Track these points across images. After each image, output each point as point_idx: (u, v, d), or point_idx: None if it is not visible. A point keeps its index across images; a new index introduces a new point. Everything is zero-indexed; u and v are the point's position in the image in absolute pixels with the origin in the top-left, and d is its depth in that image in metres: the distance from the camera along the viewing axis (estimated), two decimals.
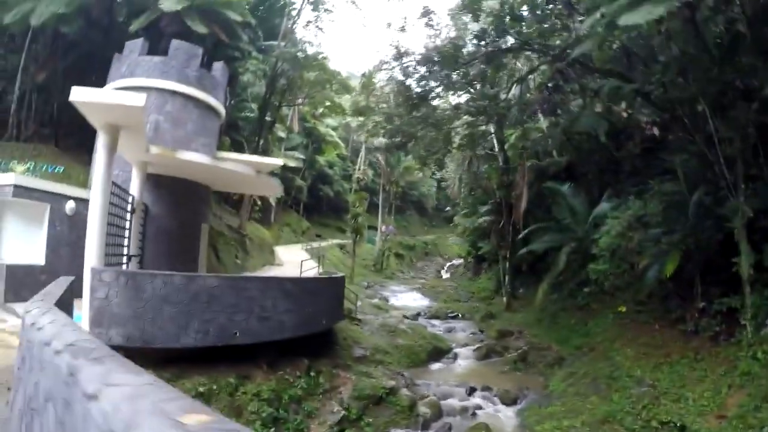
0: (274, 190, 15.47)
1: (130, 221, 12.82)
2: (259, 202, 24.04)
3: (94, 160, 14.95)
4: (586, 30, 16.43)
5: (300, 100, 25.24)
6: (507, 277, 20.32)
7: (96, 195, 10.00)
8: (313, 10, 22.91)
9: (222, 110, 16.04)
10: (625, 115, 18.05)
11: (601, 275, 15.31)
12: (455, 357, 17.26)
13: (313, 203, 33.99)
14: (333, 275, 13.49)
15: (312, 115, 30.54)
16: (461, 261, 32.95)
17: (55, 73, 19.64)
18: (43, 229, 13.17)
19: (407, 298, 24.75)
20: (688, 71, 14.71)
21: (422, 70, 16.46)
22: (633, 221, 14.71)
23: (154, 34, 16.13)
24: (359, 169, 32.47)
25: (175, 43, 15.01)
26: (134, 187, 13.16)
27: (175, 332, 9.66)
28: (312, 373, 12.07)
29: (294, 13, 23.40)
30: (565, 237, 17.92)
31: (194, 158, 12.70)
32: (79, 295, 13.52)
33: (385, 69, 17.61)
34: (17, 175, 12.39)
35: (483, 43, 16.60)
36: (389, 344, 16.35)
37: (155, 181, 14.26)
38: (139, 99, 9.05)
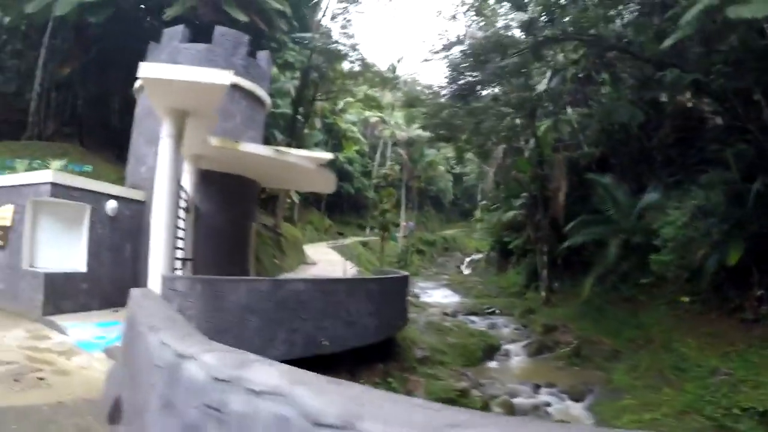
0: (329, 185, 13.70)
1: (185, 221, 10.97)
2: (288, 200, 22.21)
3: (133, 155, 13.03)
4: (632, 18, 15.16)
5: (332, 94, 23.48)
6: (545, 271, 18.87)
7: (162, 193, 8.17)
8: (339, 1, 21.17)
9: (268, 102, 14.24)
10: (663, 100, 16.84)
11: (663, 266, 14.07)
12: (507, 354, 15.82)
13: (334, 201, 32.08)
14: (399, 274, 11.88)
15: (331, 111, 28.70)
16: (481, 256, 31.45)
17: (78, 68, 17.47)
18: (83, 232, 11.25)
19: (437, 295, 23.17)
20: (745, 61, 13.68)
21: (470, 60, 14.89)
22: (696, 211, 13.56)
23: (187, 24, 14.14)
24: (386, 166, 30.67)
25: (219, 29, 13.14)
26: (186, 184, 11.29)
27: (261, 345, 7.94)
28: (388, 379, 10.66)
29: (323, 4, 21.54)
30: (610, 229, 16.58)
31: (259, 151, 10.90)
32: (119, 304, 11.65)
33: (433, 59, 16.02)
34: (54, 172, 10.41)
35: (529, 33, 15.08)
36: (443, 343, 14.86)
37: (204, 178, 12.39)
38: (224, 76, 7.25)
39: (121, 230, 11.80)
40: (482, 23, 15.69)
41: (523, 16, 15.15)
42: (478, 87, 15.71)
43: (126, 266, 11.89)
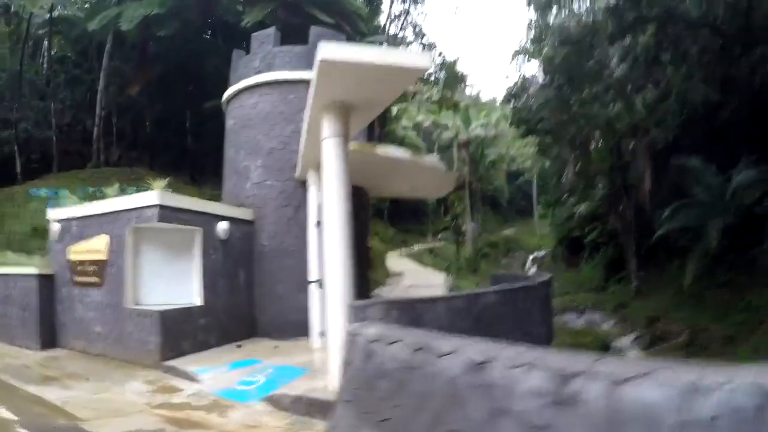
0: (445, 187, 11.27)
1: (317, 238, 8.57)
2: None
3: (233, 171, 10.50)
4: None
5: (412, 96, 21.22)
6: (634, 262, 16.55)
7: (333, 206, 5.83)
8: (402, 1, 18.88)
9: None
10: None
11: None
12: (621, 350, 13.54)
13: (394, 209, 29.38)
14: (546, 278, 9.54)
15: (387, 117, 26.21)
16: (543, 253, 29.10)
17: (143, 89, 15.07)
18: (194, 260, 8.75)
19: None
20: None
21: (563, 52, 12.73)
22: None
23: (263, 28, 11.78)
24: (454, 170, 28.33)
25: (315, 29, 10.78)
26: (312, 196, 8.90)
27: None
28: None
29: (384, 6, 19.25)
30: (704, 212, 14.34)
31: (398, 155, 8.51)
32: (238, 337, 9.16)
33: (523, 54, 13.85)
34: (161, 193, 7.97)
35: (615, 17, 12.91)
36: (564, 343, 12.55)
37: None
38: (424, 58, 5.00)
39: (234, 255, 9.33)
40: (568, 12, 13.56)
41: (608, 1, 13.01)
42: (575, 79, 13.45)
43: (240, 295, 9.43)
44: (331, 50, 4.87)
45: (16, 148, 15.52)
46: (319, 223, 8.57)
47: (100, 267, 8.62)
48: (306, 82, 10.09)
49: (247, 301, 9.54)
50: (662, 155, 16.20)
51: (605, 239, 18.18)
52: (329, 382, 5.41)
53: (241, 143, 10.34)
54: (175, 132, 16.08)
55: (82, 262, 8.94)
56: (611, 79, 14.42)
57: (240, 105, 10.52)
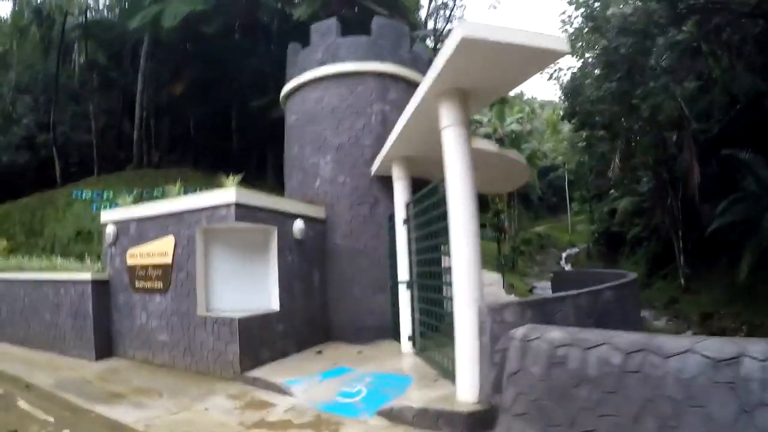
0: (520, 180, 10.08)
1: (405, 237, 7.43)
2: None
3: (298, 169, 9.27)
4: None
5: None
6: (682, 258, 15.42)
7: (458, 200, 4.88)
8: None
9: None
10: None
11: None
12: None
13: None
14: (633, 276, 8.41)
15: None
16: (577, 250, 27.66)
17: (185, 89, 13.88)
18: (271, 262, 7.58)
19: None
20: None
21: (625, 42, 11.66)
22: None
23: (304, 26, 10.71)
24: None
25: (379, 20, 9.69)
26: (399, 192, 7.75)
27: None
28: None
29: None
30: (757, 205, 13.21)
31: (486, 146, 7.38)
32: (313, 342, 7.98)
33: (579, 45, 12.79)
34: (238, 190, 6.81)
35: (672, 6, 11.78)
36: None
37: (390, 183, 8.85)
38: (561, 41, 4.29)
39: (308, 255, 8.17)
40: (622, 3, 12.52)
41: None
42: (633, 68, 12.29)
43: (315, 298, 8.27)
44: (473, 28, 3.93)
45: (54, 151, 14.36)
46: (406, 221, 7.43)
47: (165, 271, 7.43)
48: (374, 74, 9.20)
49: (321, 304, 8.38)
50: (706, 147, 15.12)
51: (648, 234, 17.02)
52: (459, 391, 4.61)
53: (307, 139, 9.19)
54: (217, 132, 14.92)
55: (143, 267, 7.75)
56: (657, 71, 13.35)
57: (303, 99, 9.38)
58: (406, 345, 7.31)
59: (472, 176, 4.84)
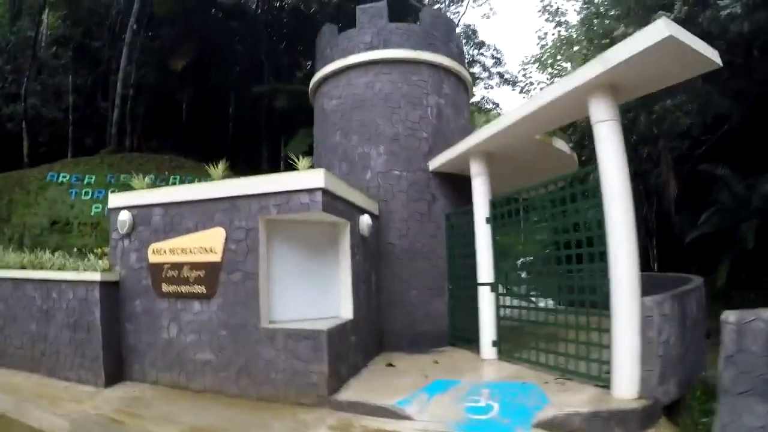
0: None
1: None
2: None
3: (342, 160, 7.39)
4: None
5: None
6: (656, 265, 15.60)
7: (615, 193, 4.29)
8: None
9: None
10: None
11: None
12: None
13: None
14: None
15: None
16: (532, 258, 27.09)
17: (178, 71, 11.18)
18: (342, 262, 5.92)
19: None
20: None
21: None
22: None
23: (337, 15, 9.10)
24: None
25: (429, 11, 8.54)
26: (479, 188, 6.40)
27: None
28: None
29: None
30: (734, 217, 13.40)
31: (563, 147, 6.36)
32: (373, 352, 6.41)
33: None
34: (326, 174, 5.07)
35: None
36: None
37: (448, 180, 7.49)
38: (717, 55, 4.00)
39: (369, 255, 6.52)
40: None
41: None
42: None
43: (372, 302, 6.63)
44: (675, 28, 3.63)
45: (24, 126, 10.82)
46: (489, 220, 6.13)
47: (210, 272, 5.41)
48: (429, 65, 7.78)
49: (377, 310, 6.75)
50: (680, 162, 15.27)
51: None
52: (617, 389, 4.06)
53: (354, 126, 7.52)
54: (208, 119, 12.33)
55: (174, 265, 5.63)
56: None
57: (348, 83, 7.70)
58: (488, 351, 6.06)
59: (626, 170, 4.28)
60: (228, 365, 5.21)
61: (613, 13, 11.86)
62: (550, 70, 17.11)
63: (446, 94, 7.77)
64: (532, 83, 19.11)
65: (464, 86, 8.35)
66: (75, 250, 7.53)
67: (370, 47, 7.68)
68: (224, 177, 5.83)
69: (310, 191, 4.98)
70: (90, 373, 5.62)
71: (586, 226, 4.75)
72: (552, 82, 18.26)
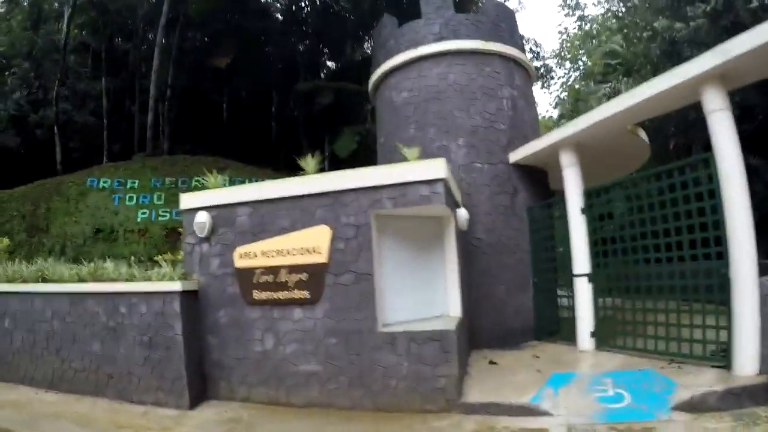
0: (634, 167, 8.37)
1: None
2: None
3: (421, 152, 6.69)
4: None
5: None
6: None
7: (733, 183, 4.05)
8: None
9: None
10: None
11: None
12: None
13: None
14: None
15: None
16: None
17: (212, 71, 10.22)
18: (447, 258, 5.19)
19: None
20: None
21: None
22: None
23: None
24: None
25: (492, 1, 7.68)
26: (571, 179, 5.73)
27: None
28: None
29: None
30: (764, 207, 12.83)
31: (645, 138, 5.81)
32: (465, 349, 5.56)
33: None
34: (445, 163, 4.30)
35: None
36: None
37: (526, 173, 6.81)
38: None
39: (462, 250, 5.73)
40: None
41: None
42: None
43: (465, 297, 5.83)
44: None
45: (56, 132, 9.63)
46: (584, 210, 5.47)
47: (315, 274, 4.56)
48: (500, 57, 7.11)
49: (469, 307, 5.97)
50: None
51: None
52: (738, 367, 3.89)
53: (429, 119, 6.80)
54: (246, 118, 11.34)
55: (268, 270, 4.75)
56: None
57: (420, 75, 6.99)
58: (587, 342, 5.47)
59: (741, 156, 4.10)
60: (338, 376, 4.38)
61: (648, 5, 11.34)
62: (568, 64, 16.74)
63: (518, 86, 7.13)
64: (552, 77, 18.63)
65: (530, 79, 7.74)
66: (130, 259, 6.50)
67: (440, 38, 7.00)
68: (314, 173, 4.99)
69: (429, 182, 4.26)
70: (171, 394, 4.67)
71: (698, 212, 4.43)
72: (570, 77, 17.77)
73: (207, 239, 5.06)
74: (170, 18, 10.01)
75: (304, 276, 4.59)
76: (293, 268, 4.63)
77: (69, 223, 7.77)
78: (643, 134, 6.43)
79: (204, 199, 5.13)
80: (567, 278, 5.79)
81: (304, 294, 4.58)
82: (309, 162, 5.02)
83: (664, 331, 4.70)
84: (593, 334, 5.43)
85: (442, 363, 4.06)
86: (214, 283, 4.95)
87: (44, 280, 5.61)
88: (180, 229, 5.49)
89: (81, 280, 5.37)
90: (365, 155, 8.93)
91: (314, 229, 4.62)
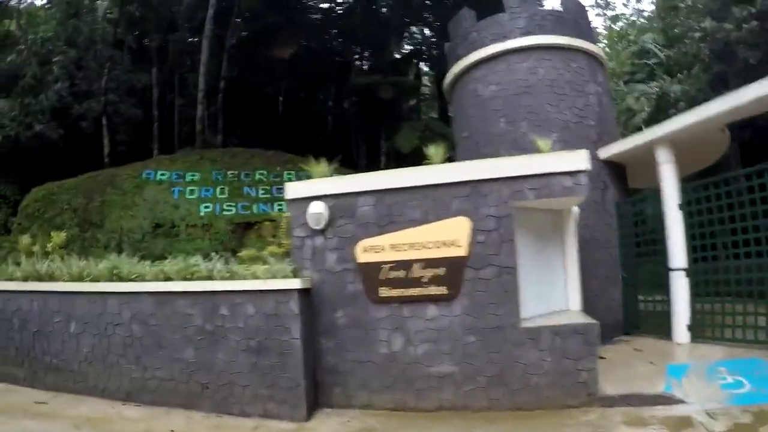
0: (708, 161, 8.02)
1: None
2: None
3: (511, 147, 6.09)
4: None
5: None
6: None
7: None
8: None
9: None
10: None
11: None
12: None
13: None
14: None
15: None
16: None
17: (261, 64, 9.50)
18: (567, 251, 4.76)
19: None
20: None
21: None
22: None
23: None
24: None
25: None
26: (668, 175, 5.42)
27: None
28: None
29: None
30: None
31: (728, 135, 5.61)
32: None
33: None
34: (586, 152, 3.86)
35: None
36: None
37: (614, 169, 6.45)
38: None
39: (585, 240, 5.31)
40: None
41: None
42: None
43: (597, 302, 5.44)
44: None
45: (105, 124, 8.71)
46: (682, 206, 5.17)
47: (452, 269, 4.05)
48: (585, 54, 6.70)
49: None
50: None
51: None
52: None
53: (520, 113, 6.40)
54: (306, 112, 10.62)
55: (399, 264, 4.21)
56: None
57: (508, 68, 6.60)
58: (683, 335, 5.25)
59: None
60: (475, 376, 3.94)
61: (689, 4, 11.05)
62: None
63: (601, 83, 6.83)
64: None
65: (603, 69, 7.41)
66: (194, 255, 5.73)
67: (526, 32, 6.62)
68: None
69: (572, 174, 3.91)
70: (283, 405, 4.04)
71: None
72: None
73: (322, 232, 4.43)
74: (217, 10, 9.27)
75: (441, 271, 4.04)
76: (429, 263, 4.08)
77: (125, 217, 6.92)
78: (727, 131, 6.20)
79: (318, 187, 4.50)
80: (658, 273, 5.51)
81: (441, 290, 4.04)
82: (437, 151, 4.46)
83: (765, 321, 4.54)
84: (690, 328, 5.18)
85: (585, 356, 3.76)
86: (331, 279, 4.34)
87: (119, 279, 4.82)
88: (264, 223, 4.82)
89: (167, 278, 4.61)
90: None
91: (452, 220, 4.10)
